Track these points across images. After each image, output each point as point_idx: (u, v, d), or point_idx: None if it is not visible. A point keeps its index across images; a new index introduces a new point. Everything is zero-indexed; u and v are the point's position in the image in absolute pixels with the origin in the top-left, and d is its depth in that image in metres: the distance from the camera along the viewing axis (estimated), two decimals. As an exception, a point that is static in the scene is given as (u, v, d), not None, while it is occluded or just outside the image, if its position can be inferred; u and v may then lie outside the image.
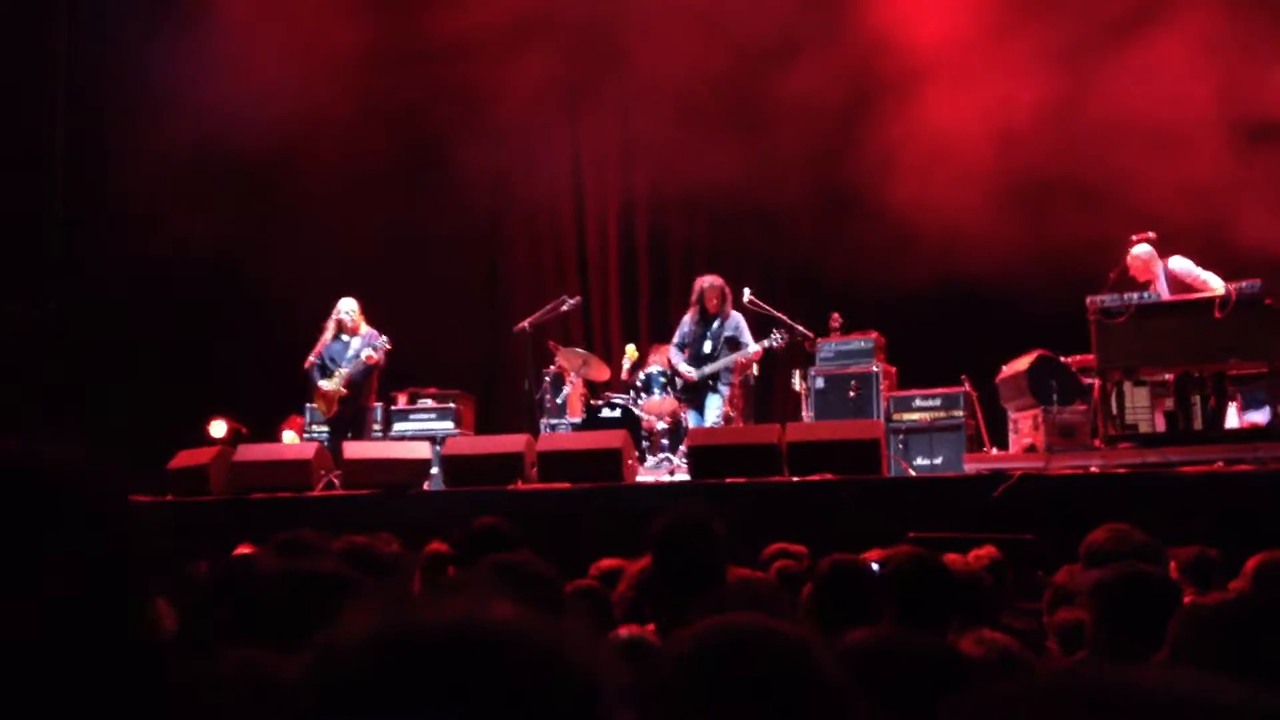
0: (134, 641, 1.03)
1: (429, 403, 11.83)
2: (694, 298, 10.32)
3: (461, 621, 0.87)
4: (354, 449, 9.56)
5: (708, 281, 10.28)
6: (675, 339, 10.42)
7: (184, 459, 9.77)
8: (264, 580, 2.34)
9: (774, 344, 10.14)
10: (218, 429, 11.63)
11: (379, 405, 11.27)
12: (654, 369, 10.60)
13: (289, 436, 11.75)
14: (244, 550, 5.55)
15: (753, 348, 10.13)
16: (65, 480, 1.04)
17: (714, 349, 10.18)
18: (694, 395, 10.23)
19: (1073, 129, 10.97)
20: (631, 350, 11.23)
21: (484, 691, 0.84)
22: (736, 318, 10.28)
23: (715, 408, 10.15)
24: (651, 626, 3.27)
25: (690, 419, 10.18)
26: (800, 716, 1.42)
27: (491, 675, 0.85)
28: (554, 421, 11.01)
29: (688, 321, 10.36)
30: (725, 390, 10.22)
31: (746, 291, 10.62)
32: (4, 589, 0.97)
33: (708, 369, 10.15)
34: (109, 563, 1.03)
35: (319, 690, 0.87)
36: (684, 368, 10.22)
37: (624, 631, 3.03)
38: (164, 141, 11.92)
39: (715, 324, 10.23)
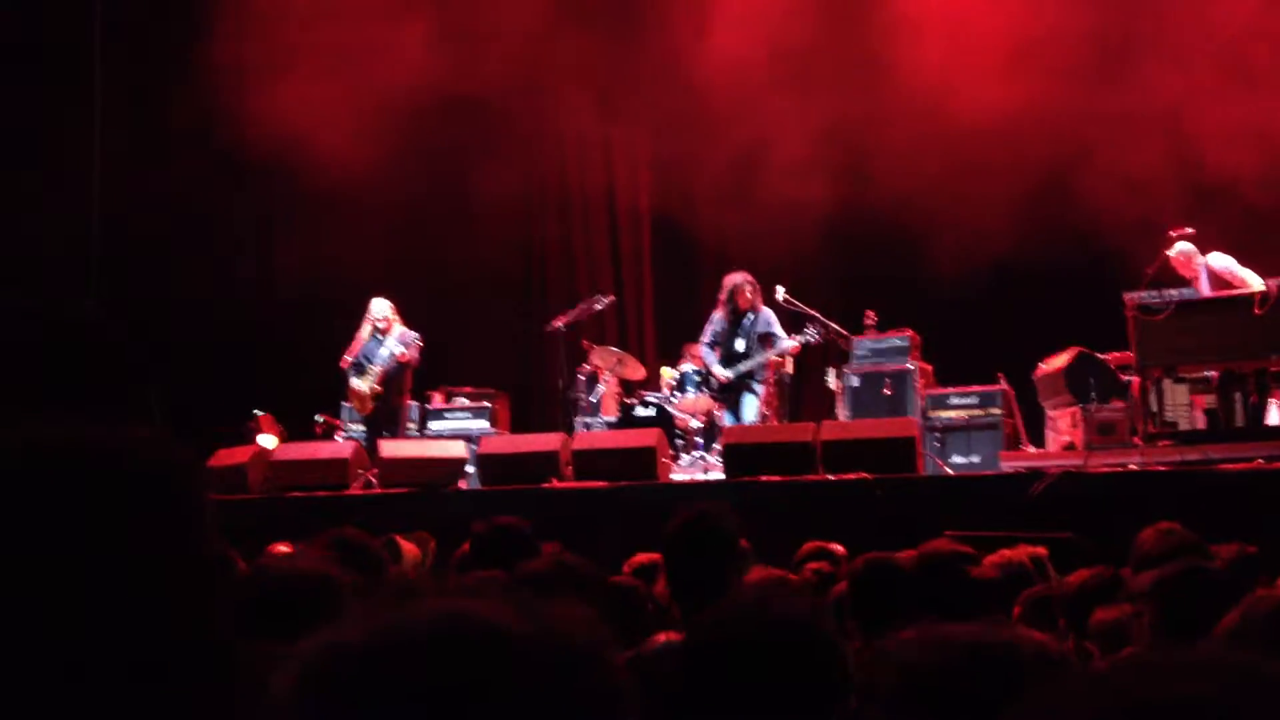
0: (217, 641, 1.03)
1: (464, 402, 11.88)
2: (724, 295, 10.20)
3: (455, 617, 0.85)
4: (390, 448, 9.61)
5: (738, 278, 10.18)
6: (706, 338, 10.31)
7: (223, 458, 9.86)
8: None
9: (810, 339, 10.06)
10: (267, 441, 11.70)
11: (414, 404, 11.33)
12: (687, 367, 10.58)
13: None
14: (279, 548, 5.59)
15: (789, 343, 10.07)
16: (156, 470, 1.03)
17: (746, 346, 10.11)
18: (729, 395, 10.16)
19: (1107, 119, 10.88)
20: (667, 372, 11.10)
21: (479, 688, 0.82)
22: (767, 313, 10.20)
23: (752, 408, 10.07)
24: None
25: (726, 419, 10.12)
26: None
27: (486, 670, 0.83)
28: (589, 420, 11.02)
29: (718, 319, 10.27)
30: (761, 389, 10.14)
31: (780, 290, 10.57)
32: (90, 586, 0.97)
33: (741, 367, 10.08)
34: (195, 559, 1.03)
35: (303, 692, 0.85)
36: (717, 369, 10.12)
37: (661, 638, 3.03)
38: (202, 140, 12.03)
39: (746, 321, 10.16)
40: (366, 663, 0.84)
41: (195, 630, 1.00)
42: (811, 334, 10.04)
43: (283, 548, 5.60)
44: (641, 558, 4.86)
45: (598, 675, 0.86)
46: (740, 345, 10.13)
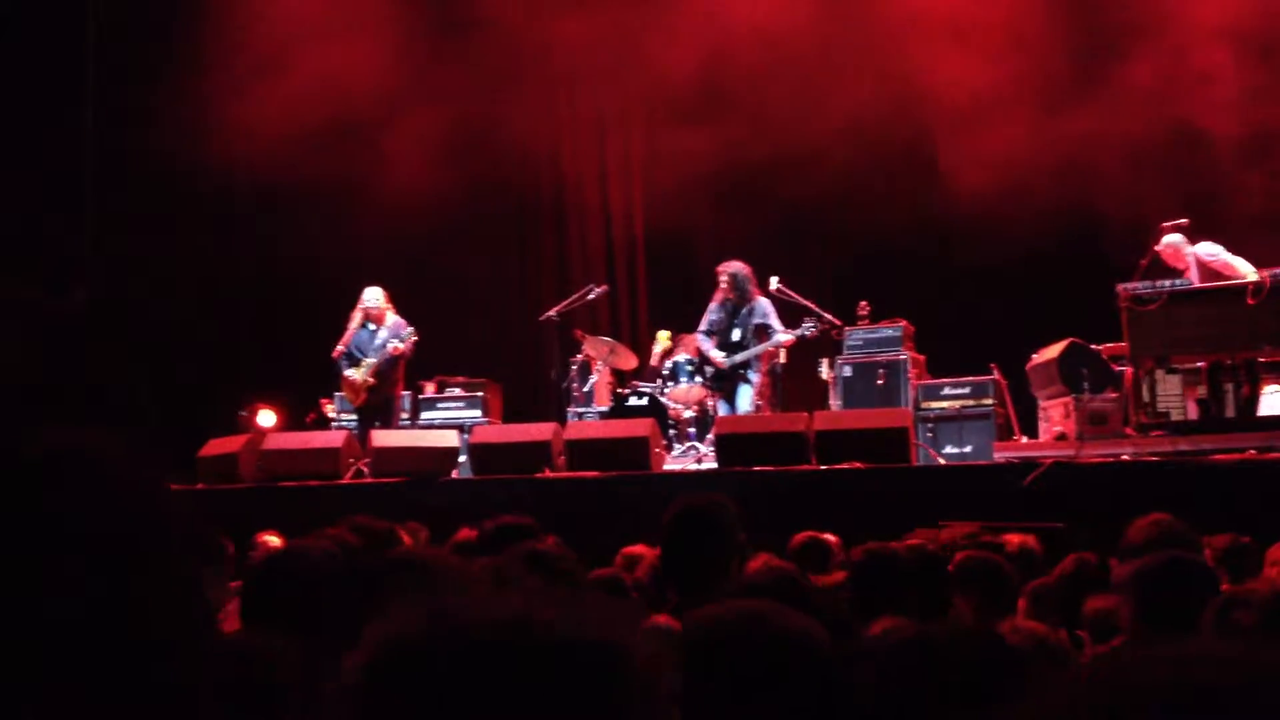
0: (177, 635, 1.03)
1: (457, 391, 11.86)
2: (720, 284, 10.17)
3: (518, 618, 0.88)
4: (382, 437, 9.59)
5: (733, 267, 10.13)
6: (702, 326, 10.27)
7: (214, 447, 9.84)
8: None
9: (807, 333, 10.00)
10: (266, 418, 11.74)
11: (407, 394, 11.32)
12: (680, 357, 10.57)
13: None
14: (267, 537, 5.58)
15: (786, 336, 10.02)
16: (100, 471, 1.03)
17: (742, 336, 10.09)
18: (724, 384, 10.13)
19: (1102, 110, 10.87)
20: (664, 336, 11.11)
21: (540, 690, 0.85)
22: (764, 304, 10.16)
23: (747, 397, 10.03)
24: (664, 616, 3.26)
25: (721, 409, 10.09)
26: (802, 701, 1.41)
27: (548, 673, 0.86)
28: (581, 410, 11.01)
29: (714, 309, 10.23)
30: (756, 378, 10.10)
31: (774, 280, 10.55)
32: (40, 586, 0.96)
33: (738, 357, 10.04)
34: (146, 554, 1.03)
35: (373, 687, 0.88)
36: (715, 354, 10.09)
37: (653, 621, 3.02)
38: (196, 130, 11.98)
39: (743, 311, 10.12)
40: (430, 660, 0.87)
41: (146, 628, 0.99)
42: (809, 327, 9.97)
43: (271, 538, 5.59)
44: (631, 549, 4.87)
45: (649, 679, 0.89)
46: (736, 335, 10.10)
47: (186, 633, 1.02)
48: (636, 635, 0.92)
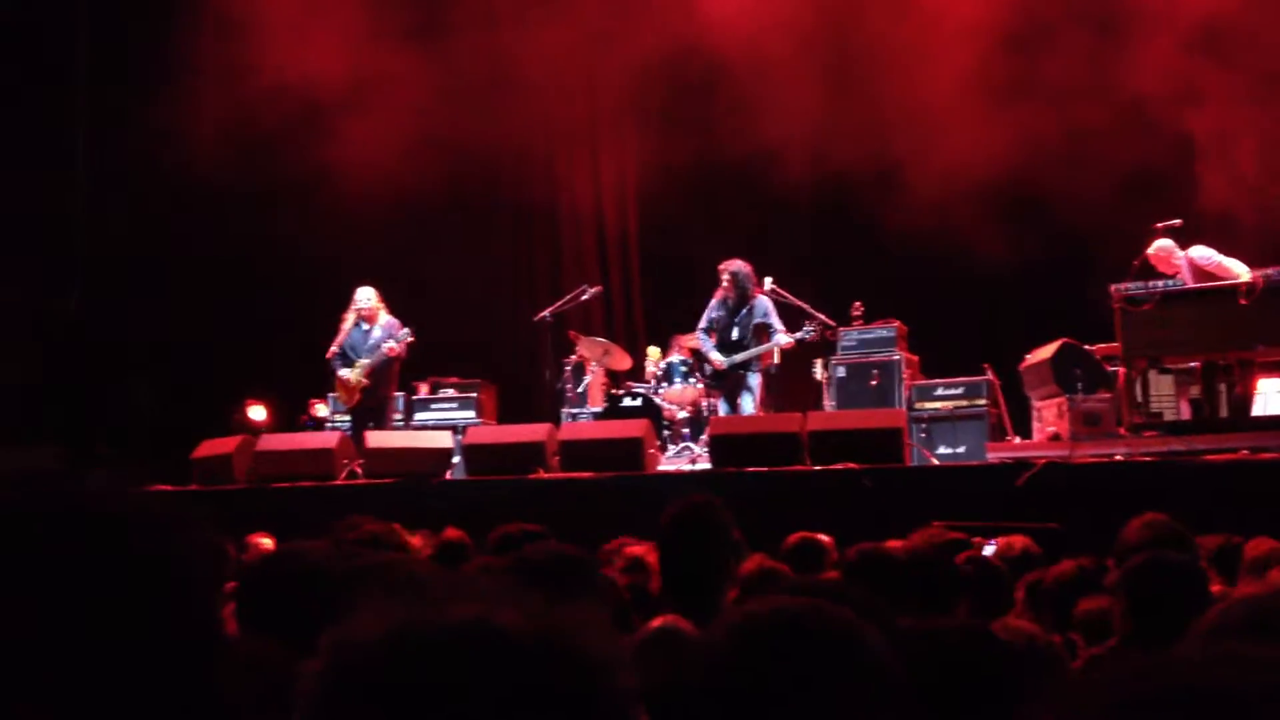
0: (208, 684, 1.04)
1: (450, 392, 11.85)
2: (721, 282, 10.06)
3: (474, 622, 0.88)
4: (376, 438, 9.58)
5: (735, 266, 10.02)
6: (702, 323, 10.16)
7: (208, 448, 9.82)
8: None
9: (807, 336, 9.93)
10: (257, 413, 11.74)
11: (400, 395, 11.30)
12: (675, 358, 10.55)
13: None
14: (259, 538, 5.58)
15: (786, 339, 9.94)
16: (137, 534, 1.04)
17: (742, 335, 10.01)
18: (724, 384, 10.06)
19: (1095, 110, 10.89)
20: (654, 352, 11.09)
21: (495, 694, 0.85)
22: (765, 303, 10.08)
23: (750, 400, 9.96)
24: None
25: (720, 408, 10.04)
26: (845, 703, 1.40)
27: (503, 677, 0.86)
28: (575, 411, 11.01)
29: (715, 306, 10.13)
30: (757, 378, 10.01)
31: (769, 280, 10.52)
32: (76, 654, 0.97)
33: (738, 358, 9.95)
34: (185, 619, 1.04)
35: (330, 690, 0.88)
36: (714, 355, 9.99)
37: (657, 622, 3.01)
38: (189, 128, 11.96)
39: (743, 310, 10.07)
40: (385, 666, 0.87)
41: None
42: (809, 330, 9.91)
43: (263, 539, 5.59)
44: (633, 550, 4.86)
45: (607, 682, 0.89)
46: (735, 334, 10.03)
47: (191, 646, 1.02)
48: (606, 639, 0.91)
